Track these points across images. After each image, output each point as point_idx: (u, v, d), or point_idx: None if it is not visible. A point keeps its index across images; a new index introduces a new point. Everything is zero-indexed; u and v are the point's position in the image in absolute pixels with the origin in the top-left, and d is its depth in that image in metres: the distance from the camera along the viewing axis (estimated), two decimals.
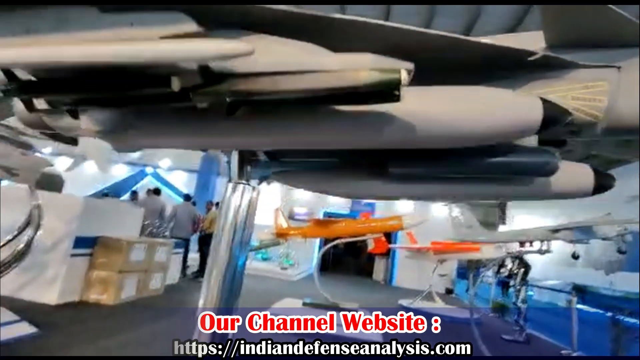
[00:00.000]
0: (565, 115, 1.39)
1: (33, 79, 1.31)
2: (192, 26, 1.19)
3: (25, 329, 4.02)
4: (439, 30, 1.34)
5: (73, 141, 2.38)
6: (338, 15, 1.26)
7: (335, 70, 1.21)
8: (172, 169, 17.31)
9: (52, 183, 6.72)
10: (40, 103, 1.39)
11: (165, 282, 7.23)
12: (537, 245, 6.38)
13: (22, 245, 4.29)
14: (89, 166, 12.01)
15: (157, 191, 10.02)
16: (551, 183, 1.76)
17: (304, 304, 7.18)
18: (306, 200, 15.48)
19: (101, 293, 5.74)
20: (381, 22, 1.28)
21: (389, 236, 12.83)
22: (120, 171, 16.72)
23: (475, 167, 1.70)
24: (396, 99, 1.24)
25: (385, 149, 1.62)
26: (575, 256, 7.24)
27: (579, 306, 7.03)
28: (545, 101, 1.36)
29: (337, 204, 15.64)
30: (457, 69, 1.45)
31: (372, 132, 1.42)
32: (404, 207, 13.77)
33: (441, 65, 1.41)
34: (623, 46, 1.42)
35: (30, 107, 1.39)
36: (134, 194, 11.71)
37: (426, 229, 10.41)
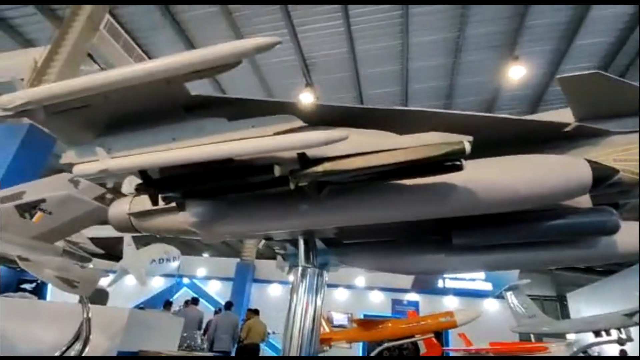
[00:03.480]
0: (612, 172, 1.48)
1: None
2: (298, 123, 1.49)
3: None
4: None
5: (117, 258, 2.62)
6: (405, 108, 1.53)
7: (411, 147, 1.42)
8: (208, 278, 17.34)
9: (98, 296, 6.86)
10: (135, 204, 1.60)
11: None
12: (614, 334, 5.58)
13: None
14: (129, 280, 12.26)
15: (195, 301, 9.94)
16: (615, 243, 1.73)
17: None
18: (342, 302, 14.69)
19: None
20: (438, 110, 1.53)
21: (440, 340, 11.60)
22: (157, 283, 16.87)
23: (537, 231, 1.72)
24: (459, 168, 1.41)
25: (450, 217, 1.71)
26: None
27: None
28: (591, 161, 1.45)
29: (377, 305, 14.67)
30: (505, 145, 1.59)
31: (439, 201, 1.54)
32: (450, 302, 12.73)
33: (490, 141, 1.56)
34: None
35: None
36: (169, 304, 11.57)
37: (479, 327, 9.39)
